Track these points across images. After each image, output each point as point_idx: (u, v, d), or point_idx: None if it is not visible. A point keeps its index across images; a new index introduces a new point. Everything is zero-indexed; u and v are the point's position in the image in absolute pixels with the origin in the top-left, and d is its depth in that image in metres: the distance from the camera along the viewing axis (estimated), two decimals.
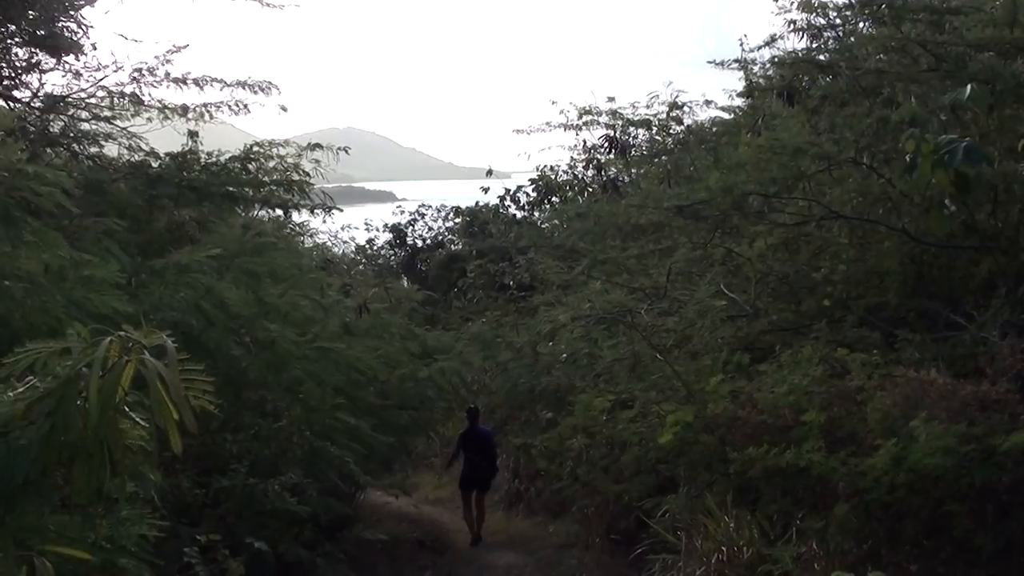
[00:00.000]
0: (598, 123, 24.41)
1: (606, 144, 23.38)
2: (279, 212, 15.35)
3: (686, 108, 22.63)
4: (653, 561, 10.86)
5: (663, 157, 22.02)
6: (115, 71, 14.86)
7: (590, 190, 27.87)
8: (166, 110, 14.84)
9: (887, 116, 10.47)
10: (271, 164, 14.82)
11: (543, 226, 30.21)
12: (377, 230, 38.56)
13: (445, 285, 32.28)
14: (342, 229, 27.82)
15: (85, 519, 3.92)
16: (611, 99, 24.21)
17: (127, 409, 3.41)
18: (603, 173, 25.42)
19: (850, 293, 11.67)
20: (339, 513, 11.06)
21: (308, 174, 14.88)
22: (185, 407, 3.25)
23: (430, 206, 38.93)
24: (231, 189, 13.61)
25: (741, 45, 20.43)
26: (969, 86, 8.43)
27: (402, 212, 39.13)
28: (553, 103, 24.87)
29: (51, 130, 14.92)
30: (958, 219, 10.69)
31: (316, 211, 15.25)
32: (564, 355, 16.59)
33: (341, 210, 15.49)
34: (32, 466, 3.27)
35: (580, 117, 24.47)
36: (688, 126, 22.37)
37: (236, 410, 9.08)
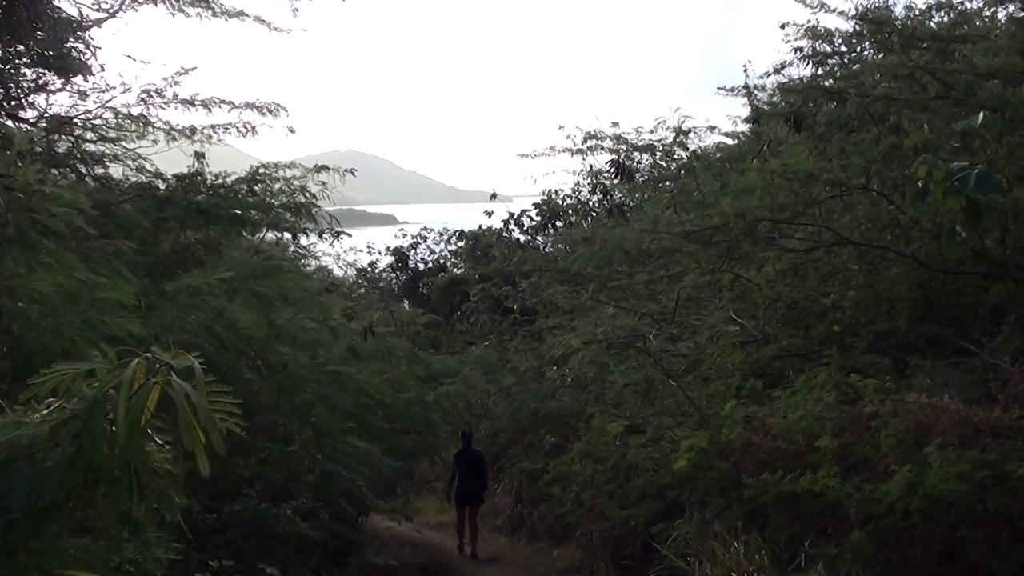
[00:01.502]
0: (602, 148, 24.40)
1: (612, 169, 23.34)
2: (286, 235, 15.30)
3: (692, 134, 22.60)
4: None
5: (668, 183, 21.99)
6: (123, 92, 14.84)
7: (595, 214, 27.82)
8: (173, 131, 14.79)
9: (899, 143, 10.48)
10: (277, 186, 14.74)
11: (547, 251, 30.15)
12: (379, 253, 38.50)
13: (447, 309, 32.16)
14: (345, 252, 27.68)
15: (111, 543, 3.89)
16: (615, 124, 24.20)
17: (151, 432, 3.39)
18: (608, 197, 25.38)
19: (859, 319, 11.61)
20: (345, 538, 10.99)
21: (314, 196, 14.81)
22: (213, 429, 3.24)
23: (432, 229, 38.85)
24: (238, 212, 13.51)
25: (745, 71, 20.44)
26: (982, 113, 8.45)
27: (404, 235, 39.09)
28: (560, 127, 24.88)
29: (57, 151, 14.87)
30: (967, 246, 10.69)
31: (324, 234, 15.17)
32: (569, 379, 16.58)
33: (350, 235, 15.40)
34: (57, 489, 3.24)
35: (585, 142, 24.45)
36: (693, 151, 22.32)
37: (248, 434, 8.98)
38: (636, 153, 24.42)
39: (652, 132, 23.78)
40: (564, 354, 14.73)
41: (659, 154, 24.35)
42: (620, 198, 24.87)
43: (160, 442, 3.48)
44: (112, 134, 14.97)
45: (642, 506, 12.24)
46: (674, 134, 22.42)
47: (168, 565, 4.87)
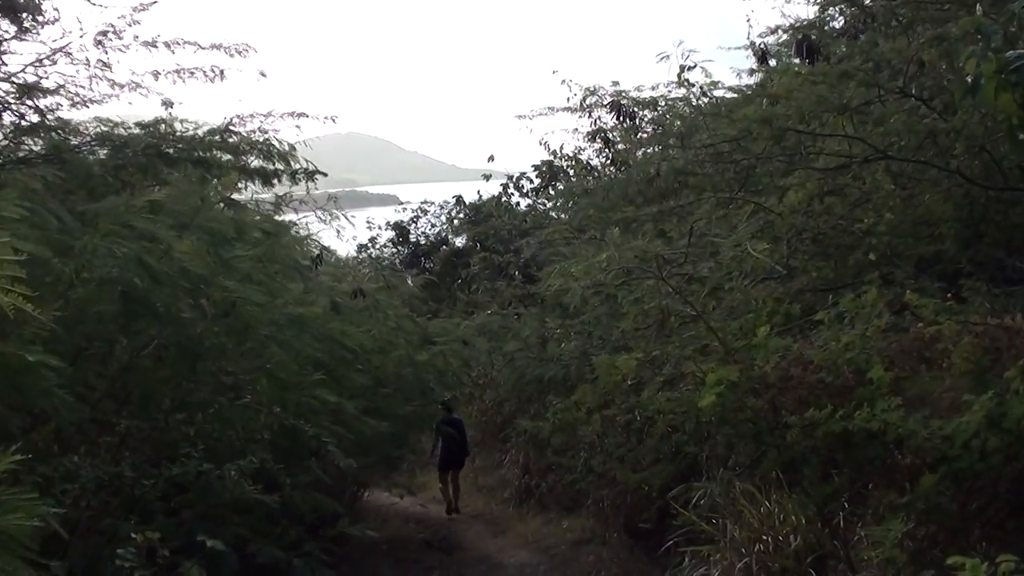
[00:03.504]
0: (603, 105, 23.21)
1: (613, 113, 22.04)
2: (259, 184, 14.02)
3: (699, 68, 21.05)
4: (680, 554, 9.73)
5: (676, 123, 20.57)
6: (80, 36, 13.57)
7: (596, 173, 26.66)
8: (135, 76, 13.52)
9: (944, 33, 9.07)
10: (254, 137, 13.58)
11: (550, 213, 29.12)
12: (380, 228, 37.28)
13: (449, 281, 31.30)
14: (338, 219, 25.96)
15: None
16: (615, 83, 22.97)
17: None
18: (610, 147, 24.14)
19: (897, 246, 10.29)
20: (328, 511, 9.75)
21: (293, 147, 13.68)
22: None
23: (432, 202, 37.79)
24: (203, 155, 12.27)
25: (748, 21, 19.30)
26: None
27: (404, 210, 38.17)
28: (562, 82, 23.61)
29: (27, 119, 13.61)
30: (1016, 163, 9.47)
31: (299, 177, 13.86)
32: (573, 342, 15.50)
33: (325, 174, 14.16)
34: None
35: (585, 98, 23.22)
36: (701, 97, 20.88)
37: (192, 385, 7.70)
38: (638, 108, 23.15)
39: (654, 88, 22.38)
40: (563, 287, 13.25)
41: (662, 108, 23.06)
42: (622, 148, 23.57)
43: None
44: (87, 95, 13.70)
45: (656, 468, 11.43)
46: (679, 71, 20.82)
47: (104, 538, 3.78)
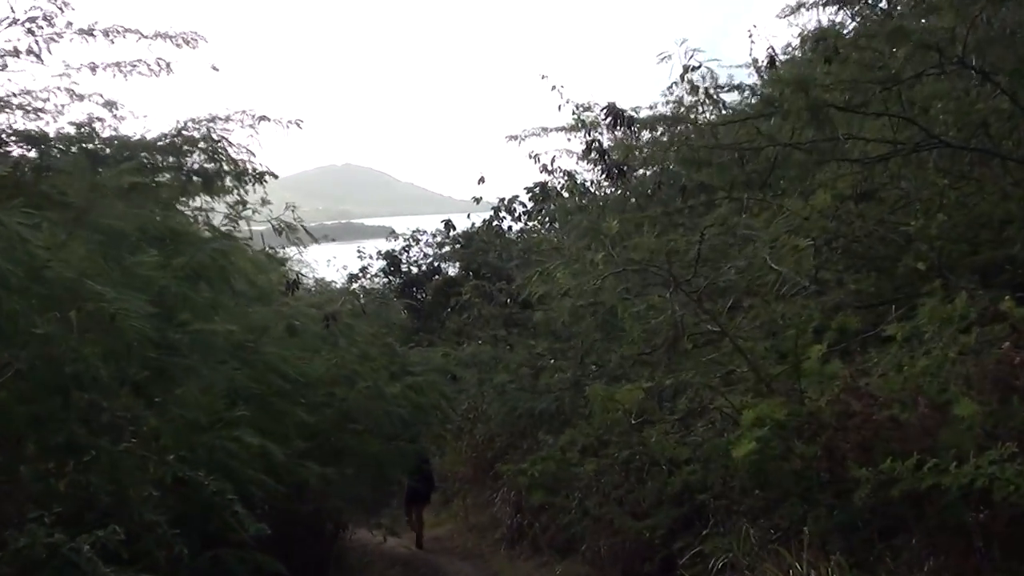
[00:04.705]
0: (600, 121, 21.86)
1: (609, 119, 20.57)
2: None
3: (703, 69, 19.45)
4: None
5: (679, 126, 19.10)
6: (9, 26, 12.03)
7: (591, 193, 25.44)
8: (70, 69, 11.95)
9: None
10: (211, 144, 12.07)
11: (540, 233, 27.97)
12: (370, 258, 37.06)
13: (441, 311, 30.39)
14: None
15: None
16: (612, 103, 21.59)
17: None
18: (606, 158, 22.73)
19: (952, 253, 8.54)
20: (271, 570, 8.08)
21: (252, 152, 12.17)
22: None
23: (424, 231, 37.71)
24: (142, 156, 10.76)
25: (750, 36, 17.84)
26: None
27: (396, 238, 37.80)
28: (553, 88, 22.25)
29: None
30: None
31: (246, 178, 12.22)
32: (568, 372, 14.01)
33: (276, 176, 12.58)
34: None
35: (580, 110, 21.83)
36: (706, 91, 19.38)
37: (53, 424, 5.87)
38: (635, 127, 21.79)
39: (651, 106, 20.98)
40: (547, 293, 11.34)
41: (661, 129, 21.67)
42: (618, 160, 22.13)
43: None
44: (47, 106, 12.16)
45: (658, 514, 10.21)
46: (682, 71, 19.24)
47: None
